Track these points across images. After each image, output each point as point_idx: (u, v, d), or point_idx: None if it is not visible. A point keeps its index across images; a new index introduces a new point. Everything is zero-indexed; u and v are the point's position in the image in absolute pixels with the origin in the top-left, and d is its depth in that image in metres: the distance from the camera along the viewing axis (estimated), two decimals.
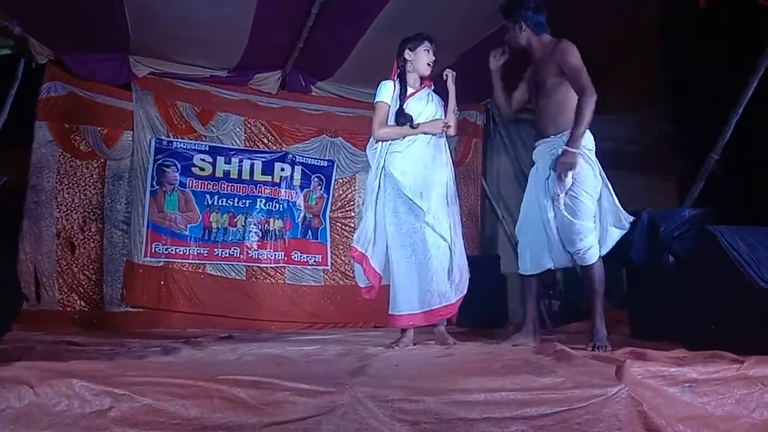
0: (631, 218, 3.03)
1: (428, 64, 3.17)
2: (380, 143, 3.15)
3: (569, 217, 2.92)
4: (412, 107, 3.14)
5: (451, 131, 3.22)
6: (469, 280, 3.17)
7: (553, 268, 3.06)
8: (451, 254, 3.07)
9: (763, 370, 2.19)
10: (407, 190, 3.04)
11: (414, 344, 3.02)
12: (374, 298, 3.15)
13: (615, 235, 3.01)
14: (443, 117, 3.21)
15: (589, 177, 2.93)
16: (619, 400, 1.90)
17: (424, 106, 3.18)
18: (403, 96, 3.14)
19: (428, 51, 3.17)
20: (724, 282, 2.79)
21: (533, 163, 3.21)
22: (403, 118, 3.09)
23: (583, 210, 2.93)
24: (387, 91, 3.17)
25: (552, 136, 3.01)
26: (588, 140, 2.97)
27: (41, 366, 1.73)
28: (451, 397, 1.76)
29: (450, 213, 3.12)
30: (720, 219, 3.53)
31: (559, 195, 2.92)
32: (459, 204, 3.26)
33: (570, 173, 2.87)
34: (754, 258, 2.68)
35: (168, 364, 2.18)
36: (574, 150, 2.85)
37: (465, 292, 3.09)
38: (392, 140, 3.12)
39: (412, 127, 3.08)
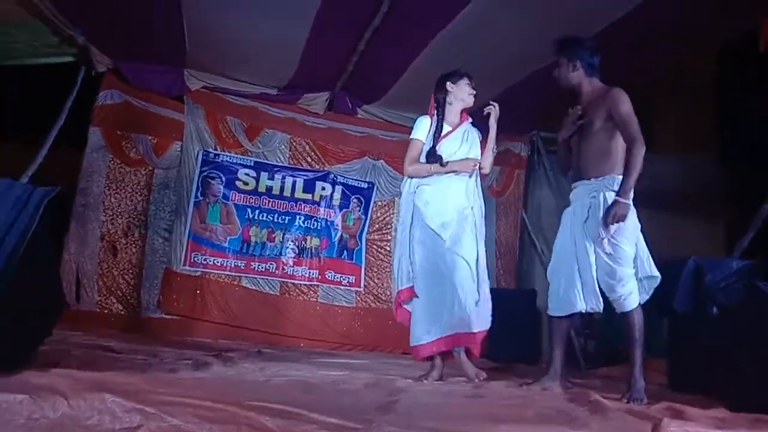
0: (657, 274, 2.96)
1: (470, 95, 3.19)
2: (411, 179, 3.19)
3: (610, 263, 2.89)
4: (445, 146, 3.14)
5: (485, 171, 3.25)
6: (504, 313, 3.14)
7: (584, 311, 3.00)
8: (477, 283, 3.06)
9: None
10: (429, 219, 3.07)
11: (442, 378, 2.98)
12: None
13: (650, 285, 2.96)
14: (479, 153, 3.20)
15: (629, 222, 2.90)
16: None
17: (458, 145, 3.18)
18: (438, 134, 3.15)
19: (469, 85, 3.19)
20: None
21: (568, 204, 3.20)
22: (433, 158, 3.10)
23: (623, 256, 2.89)
24: (423, 128, 3.20)
25: (592, 179, 2.98)
26: None
27: (76, 376, 1.77)
28: None
29: (476, 243, 3.13)
30: None
31: (603, 239, 2.88)
32: (494, 236, 3.28)
33: (619, 224, 2.84)
34: None
35: (199, 381, 2.19)
36: (625, 201, 2.82)
37: (488, 326, 3.07)
38: (422, 176, 3.15)
39: (441, 165, 3.09)
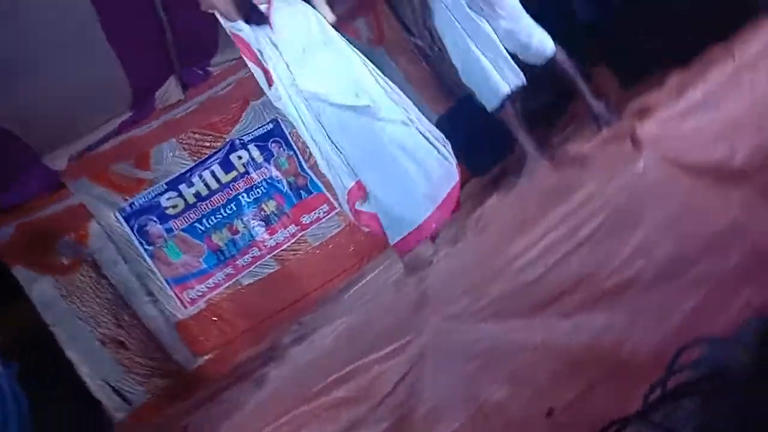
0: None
1: None
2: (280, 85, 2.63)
3: (509, 24, 2.85)
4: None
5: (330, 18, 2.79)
6: (460, 132, 3.00)
7: (509, 90, 2.92)
8: (421, 131, 2.75)
9: (748, 47, 2.15)
10: (338, 97, 2.61)
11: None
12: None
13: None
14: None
15: None
16: (650, 165, 1.89)
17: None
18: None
19: None
20: None
21: None
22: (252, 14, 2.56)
23: (513, 8, 2.84)
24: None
25: None
26: None
27: None
28: (510, 269, 1.77)
29: (389, 94, 2.76)
30: None
31: (485, 5, 2.81)
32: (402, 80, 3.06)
33: None
34: None
35: (266, 400, 2.21)
36: None
37: (457, 177, 2.82)
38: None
39: (259, 18, 2.56)
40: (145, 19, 4.09)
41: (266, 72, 2.68)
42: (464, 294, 1.75)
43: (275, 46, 2.61)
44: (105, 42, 3.95)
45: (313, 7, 2.79)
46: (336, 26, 2.82)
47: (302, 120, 2.64)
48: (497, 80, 2.90)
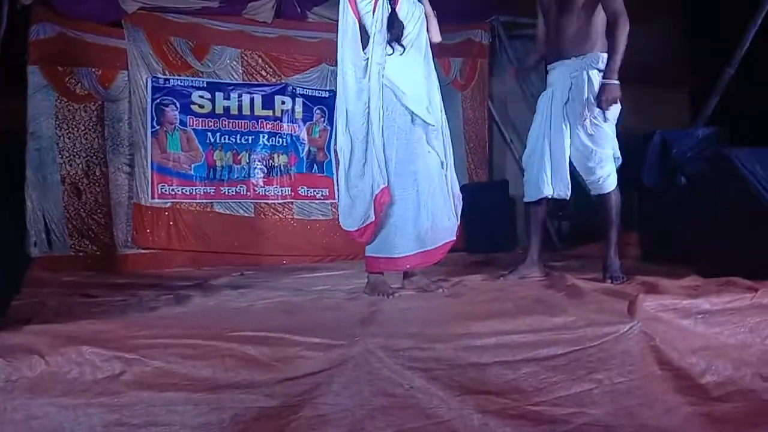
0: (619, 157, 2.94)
1: None
2: (371, 59, 2.63)
3: (590, 144, 2.87)
4: (403, 10, 2.67)
5: (436, 39, 2.84)
6: (478, 205, 3.01)
7: (550, 196, 3.00)
8: (447, 179, 2.81)
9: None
10: (410, 101, 2.65)
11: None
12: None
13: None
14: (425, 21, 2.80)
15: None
16: (632, 336, 1.90)
17: (412, 9, 2.72)
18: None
19: None
20: (739, 206, 2.72)
21: (545, 87, 3.12)
22: (395, 27, 2.63)
23: (603, 137, 2.88)
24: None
25: (573, 58, 2.90)
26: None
27: (51, 331, 1.74)
28: (462, 343, 1.76)
29: (444, 137, 2.82)
30: (735, 138, 3.43)
31: (585, 120, 2.84)
32: (462, 131, 3.07)
33: (616, 106, 2.79)
34: None
35: (180, 317, 2.18)
36: (614, 82, 2.75)
37: (454, 237, 2.80)
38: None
39: (399, 42, 2.64)
40: None
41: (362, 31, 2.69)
42: (409, 337, 1.74)
43: (395, 21, 2.65)
44: None
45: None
46: (433, 48, 2.87)
47: (370, 100, 2.64)
48: (546, 181, 2.96)
